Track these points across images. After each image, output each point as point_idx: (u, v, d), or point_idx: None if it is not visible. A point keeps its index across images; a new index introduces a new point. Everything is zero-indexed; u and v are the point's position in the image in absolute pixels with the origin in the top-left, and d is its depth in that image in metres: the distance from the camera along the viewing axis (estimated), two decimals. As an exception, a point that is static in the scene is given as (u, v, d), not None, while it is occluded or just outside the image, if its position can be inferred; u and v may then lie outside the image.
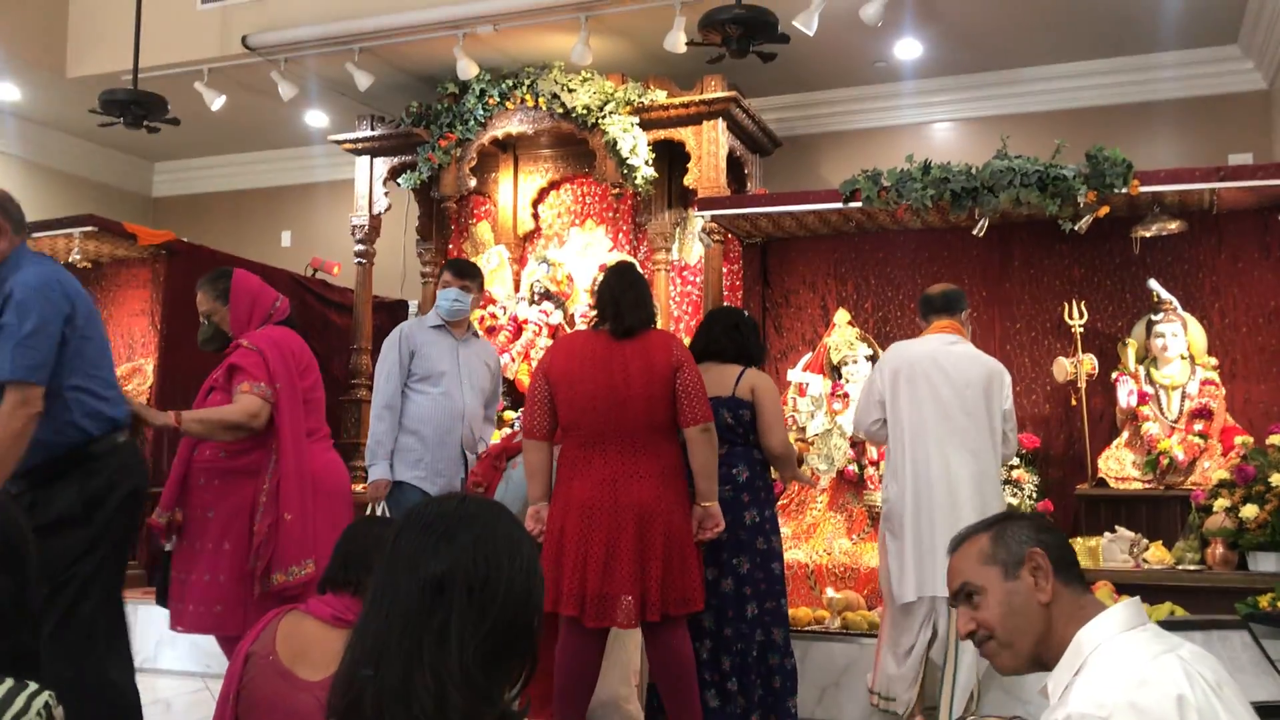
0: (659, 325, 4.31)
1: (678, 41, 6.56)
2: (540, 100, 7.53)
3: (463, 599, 1.40)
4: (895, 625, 4.53)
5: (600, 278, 4.27)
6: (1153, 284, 5.93)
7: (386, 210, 8.22)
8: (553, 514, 3.97)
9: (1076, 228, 5.76)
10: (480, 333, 5.85)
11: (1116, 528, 5.42)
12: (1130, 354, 6.00)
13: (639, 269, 4.28)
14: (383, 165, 8.17)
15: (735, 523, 4.19)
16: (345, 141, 8.21)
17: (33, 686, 1.74)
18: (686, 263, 7.86)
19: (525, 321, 7.73)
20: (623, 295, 3.99)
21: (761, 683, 4.23)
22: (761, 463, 4.39)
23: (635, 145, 7.25)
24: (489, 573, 1.43)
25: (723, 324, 4.52)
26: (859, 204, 6.08)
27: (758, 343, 4.60)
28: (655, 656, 3.97)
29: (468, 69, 7.35)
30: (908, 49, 7.63)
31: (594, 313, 4.15)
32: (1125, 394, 5.91)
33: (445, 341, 5.03)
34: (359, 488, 5.65)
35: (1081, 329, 6.05)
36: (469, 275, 5.14)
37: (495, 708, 1.40)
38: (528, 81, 7.59)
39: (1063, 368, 5.99)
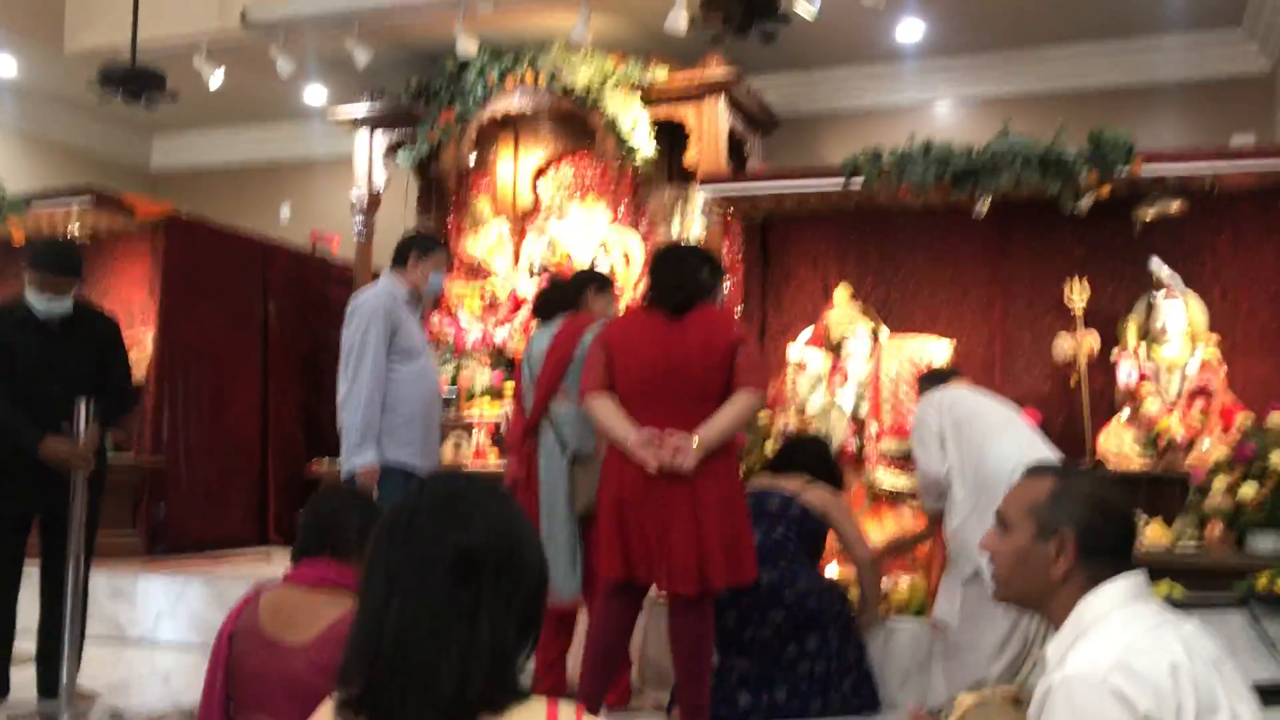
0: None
1: (679, 21, 6.52)
2: (540, 78, 7.50)
3: (491, 578, 1.38)
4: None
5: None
6: (1154, 263, 5.92)
7: (386, 185, 8.20)
8: (609, 484, 3.98)
9: (1078, 209, 5.74)
10: None
11: (1115, 507, 5.42)
12: (1131, 333, 5.99)
13: (684, 246, 4.36)
14: (382, 140, 8.15)
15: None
16: (344, 117, 8.18)
17: None
18: (687, 240, 7.85)
19: (525, 297, 7.73)
20: (663, 279, 4.04)
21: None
22: (797, 537, 4.57)
23: (635, 123, 7.22)
24: (512, 549, 1.42)
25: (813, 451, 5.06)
26: (860, 182, 6.06)
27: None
28: (676, 626, 3.97)
29: (468, 46, 7.31)
30: (910, 28, 7.61)
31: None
32: (1125, 373, 5.90)
33: (415, 315, 4.87)
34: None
35: (1082, 307, 6.04)
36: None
37: (512, 686, 1.39)
38: (528, 59, 7.55)
39: (1063, 347, 5.99)
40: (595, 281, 4.90)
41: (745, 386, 3.87)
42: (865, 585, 4.81)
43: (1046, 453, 4.22)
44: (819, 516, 4.67)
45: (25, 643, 4.63)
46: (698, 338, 3.91)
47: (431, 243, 5.02)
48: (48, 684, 4.49)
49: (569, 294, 4.84)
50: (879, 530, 5.74)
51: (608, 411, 3.92)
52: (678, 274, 4.02)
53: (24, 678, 4.61)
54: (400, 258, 4.90)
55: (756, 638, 4.44)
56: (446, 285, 7.38)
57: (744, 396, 3.87)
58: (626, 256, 7.81)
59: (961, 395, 4.65)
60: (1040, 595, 1.97)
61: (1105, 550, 1.94)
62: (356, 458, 4.55)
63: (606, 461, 4.03)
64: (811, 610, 4.41)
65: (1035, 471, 2.07)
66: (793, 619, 4.41)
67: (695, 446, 3.77)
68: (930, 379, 4.92)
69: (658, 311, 4.01)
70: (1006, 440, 4.31)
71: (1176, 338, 5.85)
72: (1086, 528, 1.94)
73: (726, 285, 7.11)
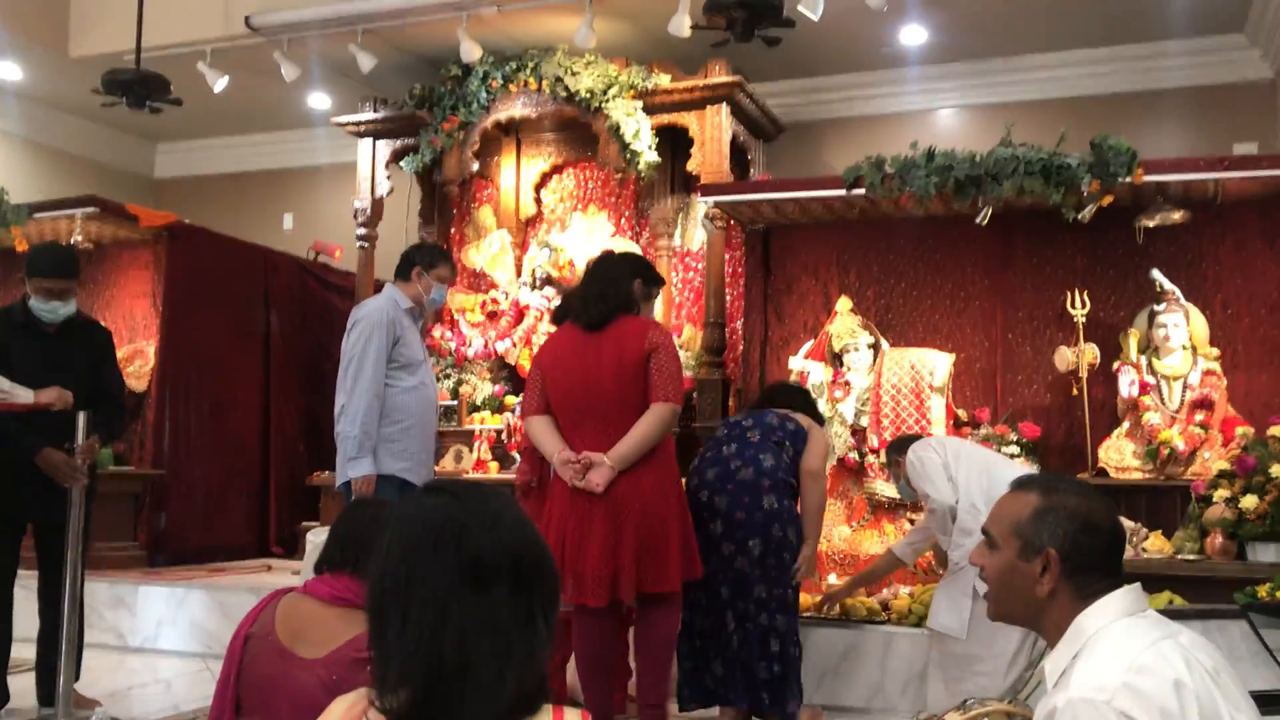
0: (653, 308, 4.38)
1: (682, 25, 6.52)
2: (543, 84, 7.50)
3: (540, 582, 1.41)
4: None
5: None
6: (1155, 274, 5.91)
7: (389, 194, 8.20)
8: (547, 498, 4.16)
9: (1080, 217, 5.74)
10: None
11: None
12: (1132, 344, 5.98)
13: (616, 255, 4.39)
14: (385, 148, 8.16)
15: (752, 504, 4.28)
16: (348, 124, 8.19)
17: None
18: (689, 249, 7.84)
19: (527, 307, 7.73)
20: (587, 291, 4.14)
21: (765, 665, 4.28)
22: (792, 464, 4.46)
23: (638, 130, 7.22)
24: (542, 551, 1.44)
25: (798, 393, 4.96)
26: (862, 190, 6.05)
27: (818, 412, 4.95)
28: (639, 632, 4.12)
29: (471, 51, 7.32)
30: (913, 35, 7.61)
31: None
32: (1127, 384, 5.89)
33: (415, 327, 4.88)
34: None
35: (1084, 318, 6.03)
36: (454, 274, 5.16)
37: (545, 686, 1.40)
38: (531, 64, 7.56)
39: (1064, 357, 5.98)
40: None
41: (658, 400, 3.96)
42: (807, 503, 4.45)
43: None
44: (805, 435, 4.53)
45: (26, 651, 4.65)
46: (612, 351, 3.99)
47: (436, 256, 5.01)
48: (47, 692, 4.52)
49: None
50: (879, 540, 5.73)
51: (540, 430, 4.12)
52: (598, 286, 4.11)
53: (24, 686, 4.62)
54: (404, 270, 4.91)
55: (733, 565, 4.29)
56: (449, 295, 7.37)
57: (656, 410, 3.96)
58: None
59: (949, 438, 4.68)
60: (1030, 613, 1.97)
61: (1092, 566, 1.92)
62: (353, 468, 4.57)
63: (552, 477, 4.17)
64: (779, 562, 4.32)
65: (1019, 486, 2.05)
66: (762, 559, 4.28)
67: (607, 467, 3.89)
68: (901, 443, 4.75)
69: (578, 326, 4.10)
70: (1015, 465, 4.32)
71: (1178, 349, 5.84)
72: (1071, 545, 1.92)
73: (730, 299, 7.17)
